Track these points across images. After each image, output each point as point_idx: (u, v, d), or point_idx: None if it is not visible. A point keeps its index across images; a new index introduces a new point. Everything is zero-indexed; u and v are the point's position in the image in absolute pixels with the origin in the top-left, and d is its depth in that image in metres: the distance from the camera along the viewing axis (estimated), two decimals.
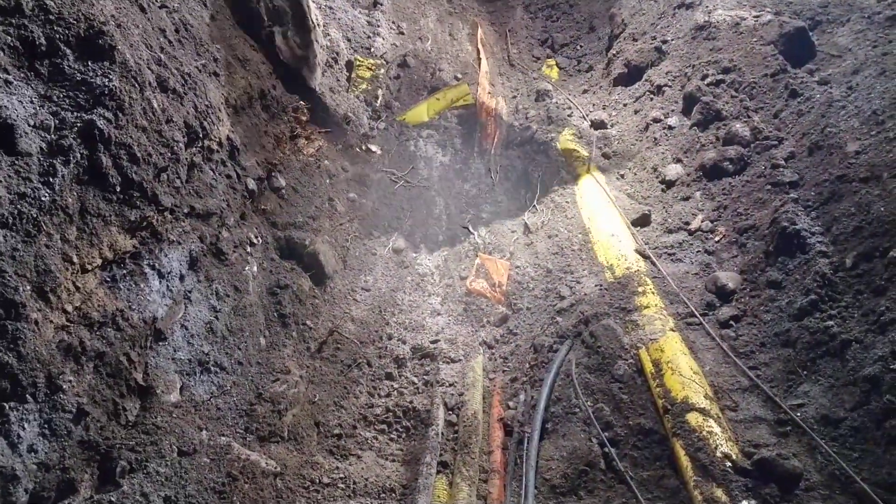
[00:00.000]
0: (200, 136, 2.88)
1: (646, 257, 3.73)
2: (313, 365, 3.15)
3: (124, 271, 2.35)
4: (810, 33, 4.38)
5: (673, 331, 3.14)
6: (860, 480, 2.31)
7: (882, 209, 2.91)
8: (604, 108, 5.43)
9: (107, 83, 2.22)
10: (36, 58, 2.08)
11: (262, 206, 3.48)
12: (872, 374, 2.52)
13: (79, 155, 2.09)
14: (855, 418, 2.51)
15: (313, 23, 4.71)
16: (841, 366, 2.68)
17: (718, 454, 2.47)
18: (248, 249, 3.13)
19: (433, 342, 3.45)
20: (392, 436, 2.90)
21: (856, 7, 4.48)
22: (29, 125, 1.97)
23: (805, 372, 2.79)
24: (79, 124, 2.09)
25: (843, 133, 3.40)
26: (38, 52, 2.09)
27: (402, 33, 6.12)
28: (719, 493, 2.34)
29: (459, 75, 5.92)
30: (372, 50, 5.77)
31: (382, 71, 5.57)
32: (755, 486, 2.39)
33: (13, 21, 2.06)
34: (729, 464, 2.44)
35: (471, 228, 4.55)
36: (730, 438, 2.56)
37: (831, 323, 2.81)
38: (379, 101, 5.36)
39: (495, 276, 3.98)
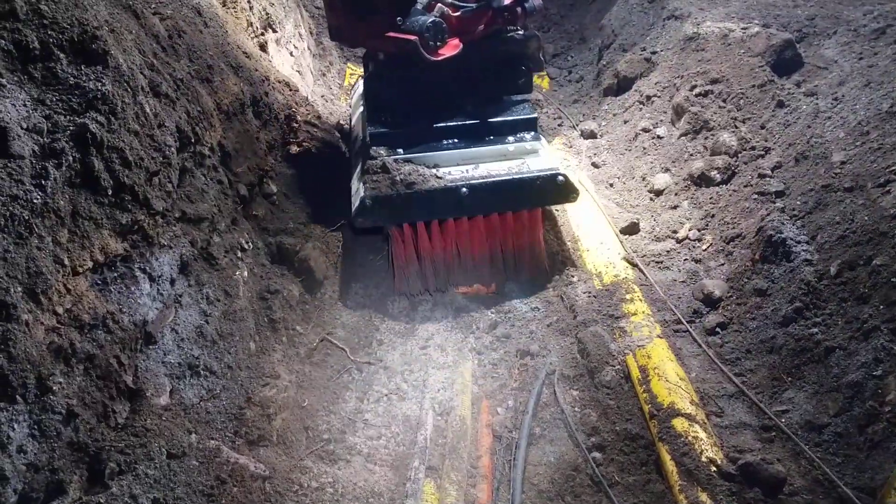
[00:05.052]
0: (192, 141, 2.89)
1: (634, 265, 3.76)
2: (303, 370, 3.16)
3: (115, 274, 2.36)
4: (797, 45, 4.44)
5: (660, 337, 3.17)
6: (843, 485, 2.34)
7: (866, 218, 2.95)
8: (594, 118, 5.48)
9: (100, 87, 2.24)
10: (29, 62, 2.10)
11: (254, 212, 3.49)
12: (855, 381, 2.56)
13: (71, 158, 2.10)
14: (838, 424, 2.55)
15: (306, 31, 4.74)
16: (825, 372, 2.72)
17: (703, 459, 2.49)
18: (239, 254, 3.15)
19: (423, 348, 3.46)
20: (381, 441, 2.91)
21: (842, 20, 4.55)
22: (22, 128, 1.99)
23: (790, 378, 2.83)
24: (71, 128, 2.11)
25: (828, 143, 3.45)
26: (32, 56, 2.11)
27: None
28: (704, 497, 2.36)
29: None
30: None
31: None
32: (739, 490, 2.41)
33: (7, 25, 2.08)
34: (714, 468, 2.46)
35: None
36: (715, 444, 2.59)
37: (816, 330, 2.85)
38: None
39: None
